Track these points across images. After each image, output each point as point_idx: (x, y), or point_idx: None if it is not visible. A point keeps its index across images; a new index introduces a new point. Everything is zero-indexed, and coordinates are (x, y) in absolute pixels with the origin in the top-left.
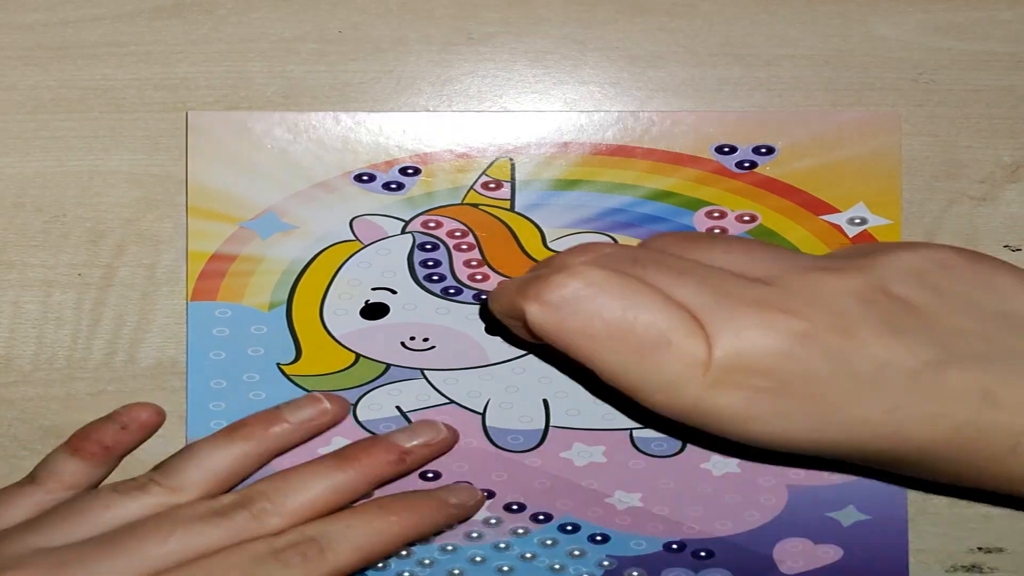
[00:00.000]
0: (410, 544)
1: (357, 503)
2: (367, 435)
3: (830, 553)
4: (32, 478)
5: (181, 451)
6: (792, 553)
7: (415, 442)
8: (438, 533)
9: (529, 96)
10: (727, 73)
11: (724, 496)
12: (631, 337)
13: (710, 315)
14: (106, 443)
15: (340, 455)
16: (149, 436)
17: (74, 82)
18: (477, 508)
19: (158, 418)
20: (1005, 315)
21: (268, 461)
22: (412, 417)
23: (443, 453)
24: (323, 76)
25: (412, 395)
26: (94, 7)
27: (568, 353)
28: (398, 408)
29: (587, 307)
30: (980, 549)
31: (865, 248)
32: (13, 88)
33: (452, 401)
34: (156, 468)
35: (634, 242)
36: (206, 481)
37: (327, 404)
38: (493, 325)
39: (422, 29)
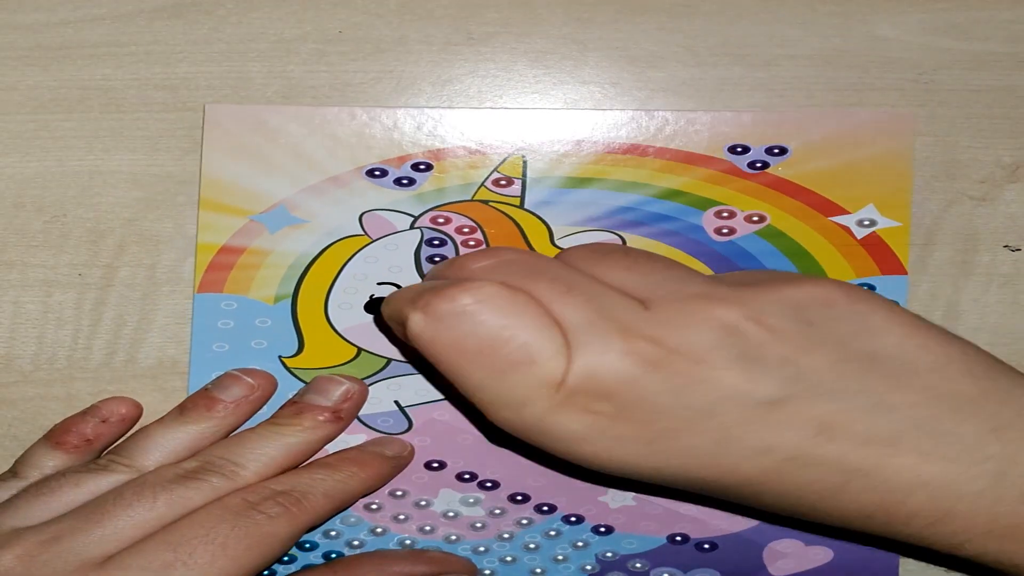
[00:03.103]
0: (370, 492)
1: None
2: (366, 431)
3: (820, 555)
4: (14, 472)
5: (136, 433)
6: (783, 554)
7: (335, 399)
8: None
9: (529, 96)
10: (727, 73)
11: None
12: (499, 355)
13: (580, 336)
14: (88, 436)
15: (278, 423)
16: (128, 430)
17: (74, 82)
18: (410, 458)
19: (136, 412)
20: (871, 355)
21: (222, 438)
22: (410, 412)
23: (364, 401)
24: (323, 76)
25: (411, 390)
26: (94, 7)
27: (434, 364)
28: (396, 403)
29: (467, 323)
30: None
31: (758, 277)
32: (13, 88)
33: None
34: (114, 451)
35: (643, 241)
36: (166, 460)
37: (249, 379)
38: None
39: (422, 29)
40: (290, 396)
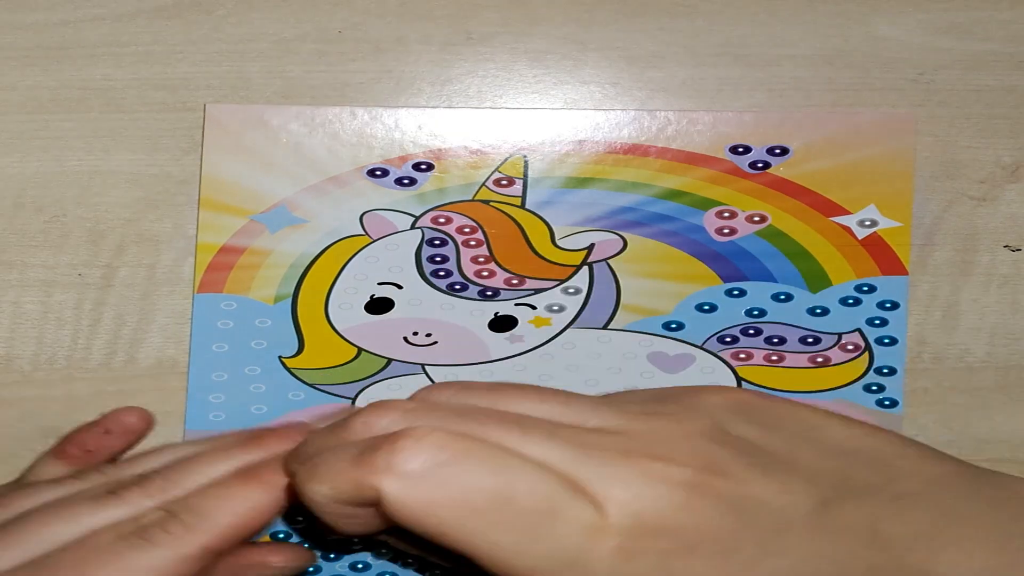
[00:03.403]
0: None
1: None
2: None
3: None
4: (18, 482)
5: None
6: None
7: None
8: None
9: (529, 96)
10: (727, 73)
11: None
12: (514, 509)
13: (582, 472)
14: (88, 447)
15: (247, 437)
16: (136, 441)
17: (74, 82)
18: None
19: (144, 423)
20: (837, 449)
21: None
22: None
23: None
24: (323, 76)
25: (412, 390)
26: (94, 7)
27: (437, 537)
28: None
29: (456, 476)
30: None
31: (661, 394)
32: (13, 88)
33: None
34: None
35: (644, 241)
36: None
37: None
38: (495, 322)
39: (422, 29)
40: (290, 396)
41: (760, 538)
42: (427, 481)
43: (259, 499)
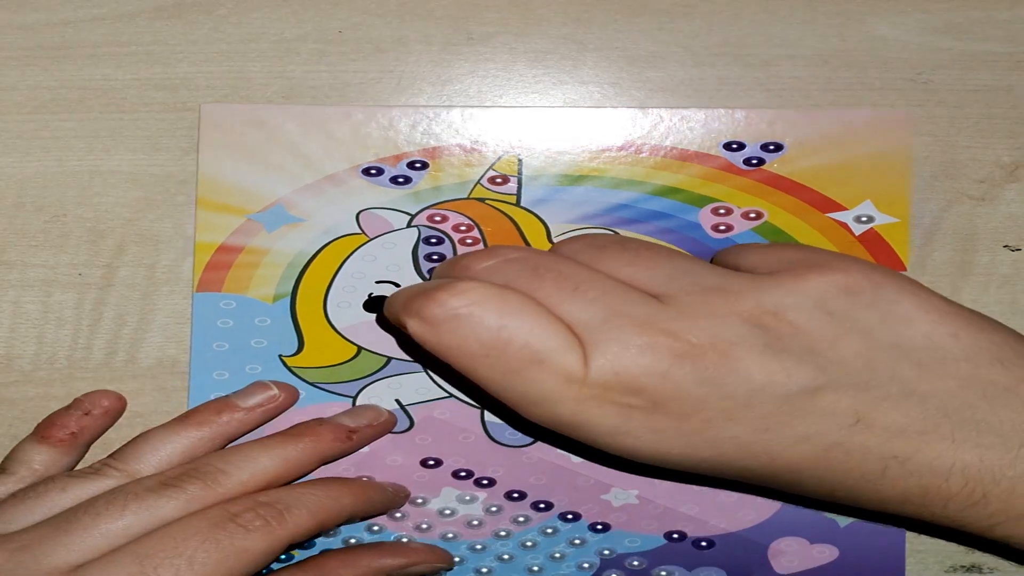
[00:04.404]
0: (356, 519)
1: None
2: None
3: (825, 553)
4: (2, 469)
5: (136, 437)
6: (787, 552)
7: (361, 423)
8: (378, 514)
9: (529, 96)
10: (727, 73)
11: (720, 494)
12: (506, 356)
13: (593, 333)
14: (72, 429)
15: (288, 432)
16: (112, 423)
17: (74, 82)
18: (405, 500)
19: (119, 404)
20: (896, 344)
21: (221, 447)
22: (411, 411)
23: (386, 433)
24: (323, 76)
25: (412, 388)
26: (94, 7)
27: (451, 366)
28: (397, 401)
29: (463, 326)
30: (979, 549)
31: (774, 258)
32: (13, 88)
33: (451, 395)
34: (112, 455)
35: (640, 239)
36: (161, 465)
37: (275, 391)
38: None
39: (422, 29)
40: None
41: (724, 407)
42: (438, 327)
43: (341, 499)
